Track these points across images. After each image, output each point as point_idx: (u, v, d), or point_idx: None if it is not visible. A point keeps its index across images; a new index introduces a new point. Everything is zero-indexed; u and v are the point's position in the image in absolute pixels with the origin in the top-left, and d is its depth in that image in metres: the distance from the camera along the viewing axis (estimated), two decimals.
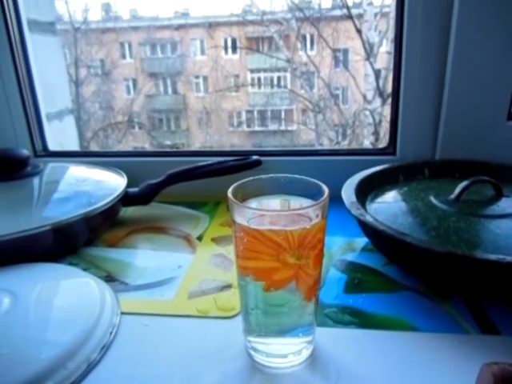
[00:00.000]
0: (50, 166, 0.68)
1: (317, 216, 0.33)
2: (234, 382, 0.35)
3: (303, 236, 0.32)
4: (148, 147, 2.93)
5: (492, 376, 0.25)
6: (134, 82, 3.11)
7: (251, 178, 0.37)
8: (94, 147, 2.65)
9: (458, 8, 0.59)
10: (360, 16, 2.16)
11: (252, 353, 0.37)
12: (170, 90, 3.14)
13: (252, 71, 2.91)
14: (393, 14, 0.68)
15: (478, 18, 0.59)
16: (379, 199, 0.56)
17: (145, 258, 0.55)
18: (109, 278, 0.50)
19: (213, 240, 0.59)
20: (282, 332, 0.36)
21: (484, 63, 0.61)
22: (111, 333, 0.40)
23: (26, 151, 0.64)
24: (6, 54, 0.72)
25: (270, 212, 0.34)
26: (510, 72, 0.61)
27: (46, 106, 0.80)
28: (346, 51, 2.46)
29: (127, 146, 2.80)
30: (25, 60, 0.75)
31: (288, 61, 2.55)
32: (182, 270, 0.51)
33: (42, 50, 0.79)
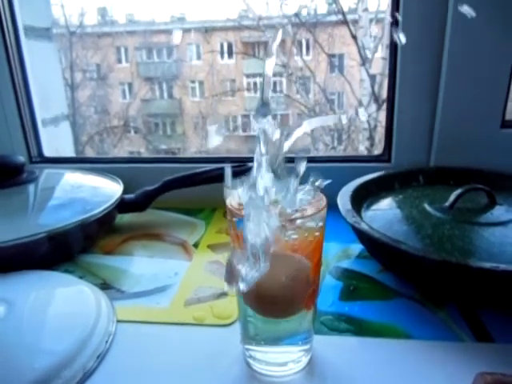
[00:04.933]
0: (46, 173, 0.68)
1: (315, 226, 0.33)
2: None
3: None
4: (144, 151, 2.93)
5: None
6: (130, 86, 3.11)
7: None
8: (89, 151, 2.65)
9: (453, 14, 0.59)
10: (355, 22, 2.17)
11: (250, 361, 0.37)
12: (165, 95, 3.14)
13: (248, 76, 2.92)
14: (388, 20, 0.68)
15: (472, 25, 0.60)
16: (374, 206, 0.56)
17: (141, 265, 0.55)
18: (105, 286, 0.50)
19: (209, 247, 0.59)
20: (281, 340, 0.36)
21: (478, 70, 0.62)
22: (107, 341, 0.40)
23: (21, 158, 0.64)
24: (2, 60, 0.72)
25: None
26: (504, 79, 0.62)
27: (42, 112, 0.80)
28: (341, 56, 2.47)
29: (122, 150, 2.80)
30: (21, 66, 0.74)
31: (284, 66, 2.56)
32: (178, 278, 0.51)
33: (37, 55, 0.79)
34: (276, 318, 0.35)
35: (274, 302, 0.34)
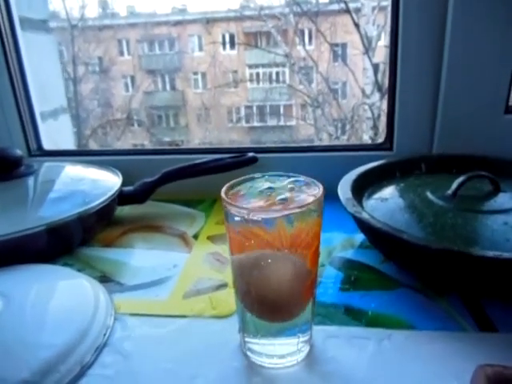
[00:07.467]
0: (45, 166, 0.68)
1: (312, 214, 0.32)
2: (230, 382, 0.35)
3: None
4: (147, 144, 2.92)
5: (486, 378, 0.24)
6: (133, 78, 3.10)
7: (244, 178, 0.36)
8: (92, 145, 2.64)
9: (454, 0, 0.58)
10: (358, 10, 2.15)
11: (248, 353, 0.37)
12: (168, 87, 3.12)
13: (250, 67, 2.89)
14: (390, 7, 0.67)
15: (474, 11, 0.58)
16: (376, 195, 0.55)
17: (140, 258, 0.55)
18: (104, 279, 0.49)
19: (209, 238, 0.58)
20: (280, 332, 0.36)
21: (481, 56, 0.60)
22: (105, 334, 0.40)
23: (19, 151, 0.64)
24: None
25: (262, 214, 0.34)
26: (508, 65, 0.61)
27: (41, 105, 0.79)
28: (344, 45, 2.44)
29: (126, 143, 2.80)
30: (17, 58, 0.74)
31: (286, 56, 2.54)
32: (177, 270, 0.51)
33: (35, 48, 0.79)
34: (279, 322, 0.34)
35: (275, 307, 0.34)
